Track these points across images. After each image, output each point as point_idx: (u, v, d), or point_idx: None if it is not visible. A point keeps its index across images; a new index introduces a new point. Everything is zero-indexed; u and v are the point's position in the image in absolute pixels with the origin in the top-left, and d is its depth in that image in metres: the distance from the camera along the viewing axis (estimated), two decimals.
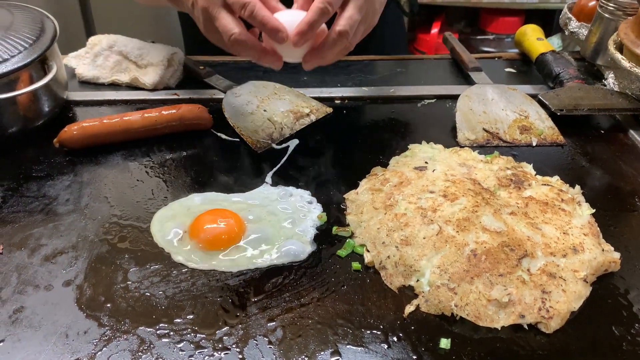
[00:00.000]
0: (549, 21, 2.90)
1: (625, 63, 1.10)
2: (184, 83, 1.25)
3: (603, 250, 0.79)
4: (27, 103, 1.03)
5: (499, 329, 0.70)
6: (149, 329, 0.70)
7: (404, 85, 1.27)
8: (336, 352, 0.68)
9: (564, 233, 0.80)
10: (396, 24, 1.58)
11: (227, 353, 0.67)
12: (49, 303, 0.73)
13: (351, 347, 0.68)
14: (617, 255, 0.79)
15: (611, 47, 1.15)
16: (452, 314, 0.72)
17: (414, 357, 0.67)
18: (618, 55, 1.12)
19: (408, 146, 1.03)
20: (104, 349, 0.67)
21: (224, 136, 1.08)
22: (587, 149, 1.06)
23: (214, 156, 1.02)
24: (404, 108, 1.20)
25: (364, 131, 1.12)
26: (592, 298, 0.75)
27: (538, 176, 0.94)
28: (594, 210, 0.86)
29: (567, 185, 0.92)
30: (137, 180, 0.96)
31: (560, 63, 1.23)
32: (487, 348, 0.68)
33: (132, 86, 1.22)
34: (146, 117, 1.03)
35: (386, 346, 0.68)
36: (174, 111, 1.04)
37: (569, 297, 0.72)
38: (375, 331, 0.70)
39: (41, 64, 1.04)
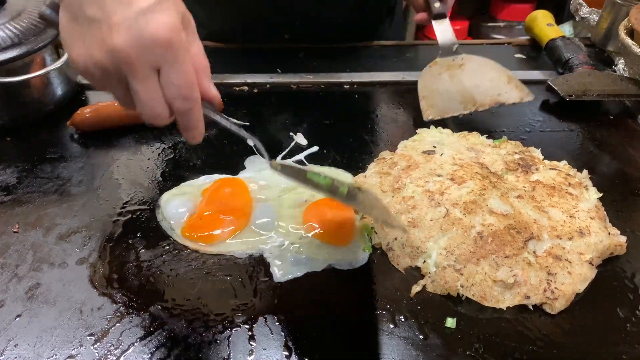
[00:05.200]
0: (560, 8, 2.87)
1: (636, 49, 1.09)
2: None
3: (609, 233, 0.80)
4: (41, 86, 1.04)
5: (504, 309, 0.71)
6: (160, 306, 0.71)
7: (413, 70, 1.27)
8: (344, 331, 0.69)
9: (570, 216, 0.81)
10: (399, 14, 1.58)
11: (237, 330, 0.69)
12: (64, 280, 0.75)
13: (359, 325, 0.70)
14: (623, 239, 0.80)
15: (622, 33, 1.15)
16: (458, 294, 0.73)
17: (421, 336, 0.68)
18: (629, 41, 1.11)
19: (417, 130, 1.04)
20: (117, 324, 0.69)
21: (234, 120, 1.09)
22: (596, 135, 1.06)
23: (224, 139, 1.03)
24: (413, 93, 1.20)
25: (373, 116, 1.12)
26: (598, 281, 0.75)
27: (546, 160, 0.95)
28: (601, 195, 0.86)
29: (575, 169, 0.92)
30: (149, 162, 0.97)
31: (570, 49, 1.23)
32: (492, 328, 0.69)
33: None
34: None
35: (393, 325, 0.70)
36: None
37: (574, 279, 0.73)
38: (382, 311, 0.71)
39: (54, 47, 1.05)
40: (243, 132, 0.74)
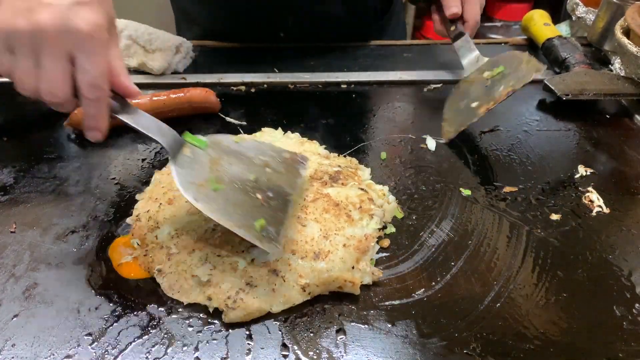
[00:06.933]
0: (557, 8, 2.88)
1: (632, 48, 1.10)
2: (191, 67, 1.26)
3: (353, 267, 0.74)
4: None
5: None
6: (158, 306, 0.71)
7: (411, 70, 1.27)
8: (341, 331, 0.69)
9: (324, 237, 0.76)
10: (398, 14, 1.59)
11: (234, 329, 0.69)
12: (61, 280, 0.75)
13: (356, 324, 0.70)
14: (367, 279, 0.74)
15: (618, 32, 1.15)
16: None
17: (418, 335, 0.68)
18: (625, 40, 1.12)
19: (262, 129, 1.03)
20: (114, 324, 0.69)
21: (231, 120, 1.09)
22: (593, 134, 1.06)
23: None
24: (410, 92, 1.21)
25: (370, 115, 1.13)
26: (595, 279, 0.76)
27: (369, 182, 0.90)
28: (380, 227, 0.81)
29: (384, 196, 0.87)
30: (145, 162, 0.97)
31: (567, 48, 1.23)
32: (490, 327, 0.69)
33: (140, 70, 1.23)
34: (155, 100, 1.04)
35: (390, 324, 0.70)
36: (182, 94, 1.05)
37: (272, 298, 0.71)
38: (380, 310, 0.72)
39: None
40: (151, 134, 0.73)
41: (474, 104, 1.03)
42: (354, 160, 0.96)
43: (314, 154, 0.95)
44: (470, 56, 1.16)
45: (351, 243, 0.76)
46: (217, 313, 0.70)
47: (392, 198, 0.88)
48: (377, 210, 0.82)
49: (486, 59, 1.13)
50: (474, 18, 1.20)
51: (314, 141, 0.99)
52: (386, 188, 0.89)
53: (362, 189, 0.85)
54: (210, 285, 0.71)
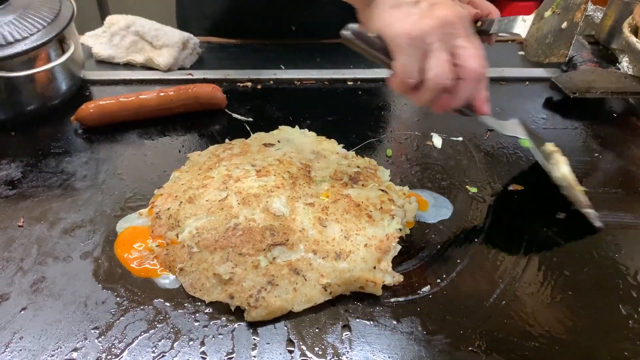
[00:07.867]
0: None
1: None
2: (197, 63, 1.27)
3: (374, 267, 0.74)
4: (45, 81, 1.05)
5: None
6: (164, 301, 0.72)
7: None
8: (347, 327, 0.69)
9: (345, 237, 0.77)
10: None
11: (240, 324, 0.69)
12: (68, 274, 0.75)
13: (361, 321, 0.70)
14: (387, 280, 0.74)
15: (626, 30, 1.15)
16: None
17: (424, 332, 0.68)
18: (633, 39, 1.11)
19: (279, 127, 1.04)
20: (121, 318, 0.69)
21: (237, 116, 1.09)
22: (600, 132, 1.06)
23: (228, 136, 1.03)
24: None
25: (377, 112, 1.13)
26: (601, 279, 0.76)
27: (390, 183, 0.90)
28: (400, 227, 0.80)
29: (404, 198, 0.87)
30: (153, 157, 0.98)
31: (574, 46, 1.23)
32: (495, 325, 0.69)
33: (147, 66, 1.23)
34: (162, 96, 1.04)
35: (395, 321, 0.70)
36: (189, 90, 1.05)
37: (294, 297, 0.71)
38: (385, 307, 0.72)
39: (59, 42, 1.05)
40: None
41: (564, 25, 0.95)
42: (373, 162, 0.95)
43: (332, 153, 0.95)
44: (515, 22, 1.08)
45: (372, 243, 0.76)
46: (222, 309, 0.71)
47: (413, 198, 0.87)
48: (398, 211, 0.82)
49: (532, 14, 1.07)
50: (492, 9, 1.13)
51: (332, 140, 0.99)
52: (406, 188, 0.89)
53: (382, 190, 0.85)
54: (232, 284, 0.71)
